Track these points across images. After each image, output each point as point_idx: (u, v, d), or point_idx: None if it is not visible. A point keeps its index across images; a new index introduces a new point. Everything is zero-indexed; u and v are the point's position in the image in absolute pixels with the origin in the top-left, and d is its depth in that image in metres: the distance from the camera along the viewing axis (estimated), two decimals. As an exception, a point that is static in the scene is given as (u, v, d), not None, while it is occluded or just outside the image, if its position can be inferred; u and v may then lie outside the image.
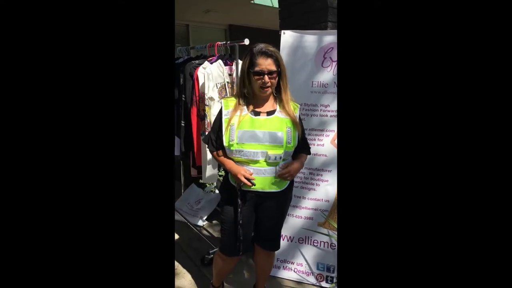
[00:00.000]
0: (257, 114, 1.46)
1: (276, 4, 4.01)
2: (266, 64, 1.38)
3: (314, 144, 2.03)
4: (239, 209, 1.47)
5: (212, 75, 2.16)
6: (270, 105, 1.49)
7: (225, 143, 1.44)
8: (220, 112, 1.50)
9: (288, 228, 2.08)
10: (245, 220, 1.50)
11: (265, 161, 1.43)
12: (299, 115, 1.55)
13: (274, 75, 1.41)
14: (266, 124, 1.44)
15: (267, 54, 1.39)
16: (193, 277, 2.12)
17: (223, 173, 2.07)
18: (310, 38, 2.06)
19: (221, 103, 1.53)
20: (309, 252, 2.07)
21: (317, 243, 2.06)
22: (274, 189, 1.48)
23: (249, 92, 1.46)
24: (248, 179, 1.41)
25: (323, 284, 2.03)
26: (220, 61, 2.22)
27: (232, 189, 1.49)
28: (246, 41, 2.02)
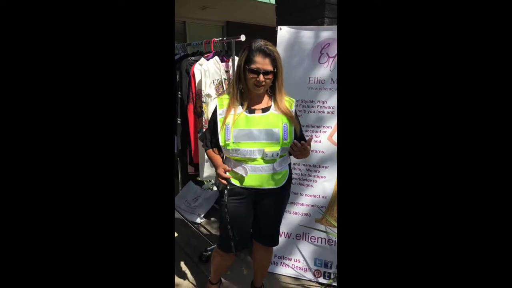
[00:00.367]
0: (252, 111, 1.44)
1: (273, 1, 4.00)
2: (263, 63, 1.35)
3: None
4: (225, 207, 1.46)
5: (209, 72, 2.15)
6: (265, 101, 1.48)
7: (221, 143, 1.43)
8: (215, 111, 1.48)
9: (286, 224, 2.08)
10: (234, 216, 1.49)
11: (262, 158, 1.43)
12: (295, 110, 1.53)
13: (270, 75, 1.37)
14: (261, 121, 1.43)
15: (265, 53, 1.35)
16: (191, 274, 2.12)
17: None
18: (306, 34, 2.05)
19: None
20: (306, 248, 2.08)
21: (315, 239, 2.06)
22: (272, 185, 1.48)
23: (244, 87, 1.44)
24: (224, 178, 1.43)
25: (321, 280, 2.03)
26: (216, 57, 2.21)
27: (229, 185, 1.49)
28: (242, 37, 2.01)
